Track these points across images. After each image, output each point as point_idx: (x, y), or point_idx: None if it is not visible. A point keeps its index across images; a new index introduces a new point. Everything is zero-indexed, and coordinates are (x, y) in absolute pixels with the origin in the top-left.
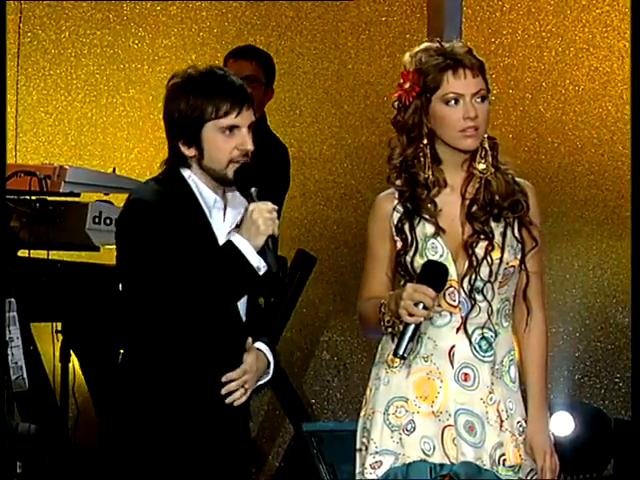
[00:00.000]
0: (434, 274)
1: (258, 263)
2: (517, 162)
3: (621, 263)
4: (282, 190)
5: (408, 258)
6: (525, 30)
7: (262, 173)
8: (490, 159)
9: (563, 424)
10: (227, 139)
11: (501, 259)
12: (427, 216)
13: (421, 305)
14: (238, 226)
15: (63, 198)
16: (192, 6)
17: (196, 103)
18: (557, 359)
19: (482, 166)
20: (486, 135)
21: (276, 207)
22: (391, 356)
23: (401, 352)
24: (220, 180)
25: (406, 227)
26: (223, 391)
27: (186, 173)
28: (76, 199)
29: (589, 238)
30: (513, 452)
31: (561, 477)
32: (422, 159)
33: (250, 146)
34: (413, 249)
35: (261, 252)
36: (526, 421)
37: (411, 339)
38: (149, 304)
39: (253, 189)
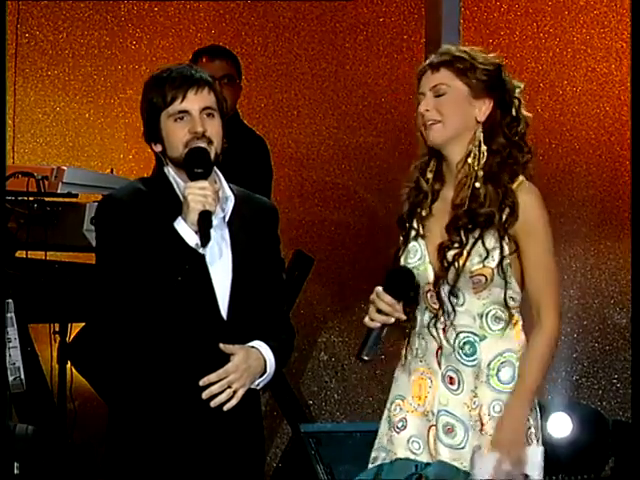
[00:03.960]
0: (395, 281)
1: (195, 241)
2: None
3: (619, 264)
4: (266, 180)
5: (401, 258)
6: (523, 31)
7: (234, 167)
8: (476, 167)
9: (561, 425)
10: (179, 125)
11: (464, 266)
12: (415, 219)
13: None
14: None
15: (61, 199)
16: (190, 7)
17: (150, 99)
18: (555, 360)
19: (462, 174)
20: (479, 144)
21: (215, 186)
22: (403, 355)
23: (362, 355)
24: (183, 167)
25: (404, 229)
26: (204, 395)
27: (166, 170)
28: (74, 200)
29: (587, 239)
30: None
31: (559, 478)
32: (426, 162)
33: (199, 127)
34: (402, 250)
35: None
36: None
37: (374, 343)
38: (111, 297)
39: (198, 170)
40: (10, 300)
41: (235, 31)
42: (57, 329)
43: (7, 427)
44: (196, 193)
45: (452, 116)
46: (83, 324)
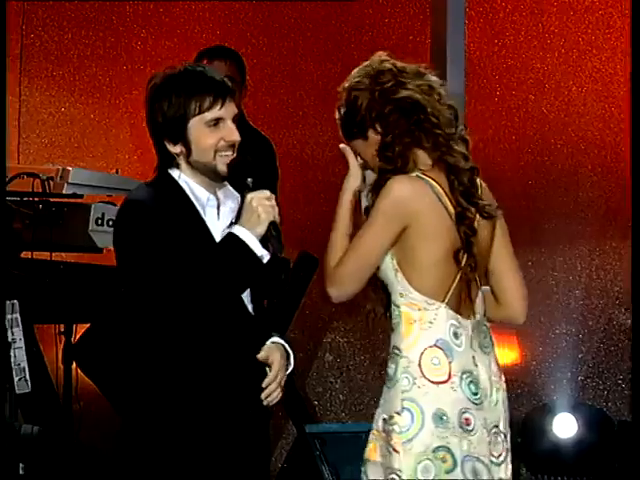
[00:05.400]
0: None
1: (261, 252)
2: (520, 163)
3: (624, 264)
4: (273, 181)
5: None
6: (528, 31)
7: (254, 165)
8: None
9: (566, 426)
10: (212, 132)
11: None
12: None
13: None
14: (234, 221)
15: (66, 199)
16: (195, 7)
17: (179, 101)
18: (560, 360)
19: None
20: None
21: (273, 195)
22: None
23: None
24: (211, 174)
25: None
26: (264, 396)
27: (175, 173)
28: (79, 200)
29: (592, 239)
30: (368, 446)
31: (564, 478)
32: None
33: (236, 137)
34: None
35: (263, 240)
36: (391, 417)
37: None
38: (156, 304)
39: (249, 179)
40: (15, 301)
41: (240, 32)
42: (62, 330)
43: (13, 427)
44: (266, 204)
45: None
46: (88, 325)
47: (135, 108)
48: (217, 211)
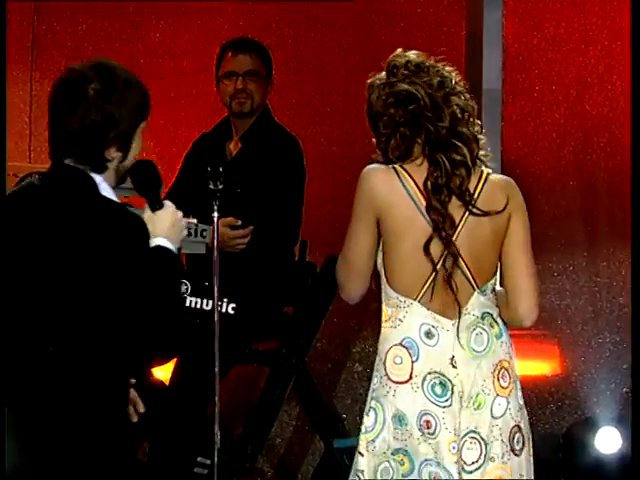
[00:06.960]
0: None
1: None
2: (561, 162)
3: None
4: (299, 180)
5: None
6: (569, 23)
7: (265, 167)
8: None
9: (610, 440)
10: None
11: None
12: None
13: None
14: None
15: None
16: None
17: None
18: (604, 371)
19: None
20: None
21: None
22: None
23: None
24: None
25: None
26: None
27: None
28: None
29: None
30: None
31: None
32: None
33: None
34: None
35: None
36: (362, 417)
37: None
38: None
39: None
40: None
41: (265, 23)
42: None
43: None
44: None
45: None
46: None
47: (152, 103)
48: None
